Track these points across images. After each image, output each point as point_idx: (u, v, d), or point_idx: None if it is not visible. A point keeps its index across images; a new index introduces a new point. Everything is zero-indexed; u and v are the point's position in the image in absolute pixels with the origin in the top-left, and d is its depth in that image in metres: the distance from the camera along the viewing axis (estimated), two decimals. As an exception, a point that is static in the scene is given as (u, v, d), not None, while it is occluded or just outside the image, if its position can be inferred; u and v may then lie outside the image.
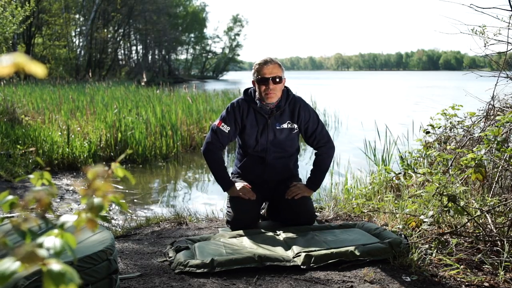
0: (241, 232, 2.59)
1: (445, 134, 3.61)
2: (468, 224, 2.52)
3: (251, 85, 2.87)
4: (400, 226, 2.58)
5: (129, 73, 34.30)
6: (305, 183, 2.89)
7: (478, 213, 2.52)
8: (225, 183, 2.80)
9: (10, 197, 0.65)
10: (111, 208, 4.14)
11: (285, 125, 2.79)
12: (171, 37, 43.07)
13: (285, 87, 2.83)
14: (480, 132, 3.14)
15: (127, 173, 0.68)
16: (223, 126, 2.76)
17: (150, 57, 43.27)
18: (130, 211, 4.17)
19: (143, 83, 14.04)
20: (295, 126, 2.81)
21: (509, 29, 2.91)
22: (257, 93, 2.77)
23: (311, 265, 2.14)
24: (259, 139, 2.79)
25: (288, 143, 2.84)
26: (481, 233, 2.39)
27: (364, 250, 2.21)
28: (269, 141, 2.79)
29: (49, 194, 0.62)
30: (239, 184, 2.81)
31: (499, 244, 2.25)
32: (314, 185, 2.84)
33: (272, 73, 2.67)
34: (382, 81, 51.17)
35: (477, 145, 2.69)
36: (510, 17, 2.88)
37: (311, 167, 2.91)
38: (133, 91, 13.02)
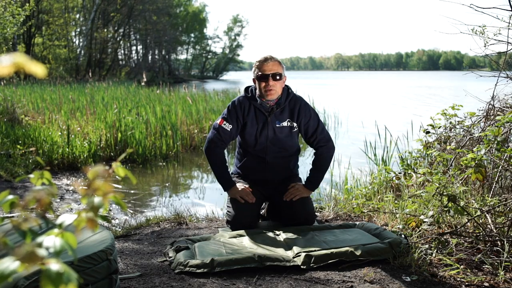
0: (241, 232, 2.59)
1: (445, 134, 3.61)
2: (468, 224, 2.52)
3: (251, 84, 2.89)
4: (400, 226, 2.58)
5: (129, 73, 34.29)
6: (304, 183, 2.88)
7: (478, 213, 2.52)
8: (226, 182, 2.79)
9: (10, 196, 0.65)
10: (111, 208, 4.14)
11: (285, 123, 2.79)
12: (171, 37, 43.06)
13: (286, 85, 2.84)
14: (480, 132, 3.14)
15: (128, 173, 0.68)
16: (225, 124, 2.77)
17: (150, 57, 43.24)
18: (130, 211, 4.17)
19: (143, 83, 14.05)
20: (295, 124, 2.82)
21: (509, 29, 2.91)
22: (257, 90, 2.78)
23: (311, 265, 2.14)
24: (258, 137, 2.79)
25: (288, 142, 2.83)
26: (481, 233, 2.39)
27: (364, 250, 2.21)
28: (269, 139, 2.79)
29: (49, 194, 0.62)
30: (240, 185, 2.80)
31: (499, 244, 2.25)
32: (313, 185, 2.83)
33: (272, 70, 2.69)
34: (382, 81, 51.17)
35: (477, 145, 2.69)
36: (510, 17, 2.88)
37: (311, 166, 2.91)
38: (133, 91, 13.02)
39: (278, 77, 2.70)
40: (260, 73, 2.71)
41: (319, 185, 2.91)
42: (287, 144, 2.84)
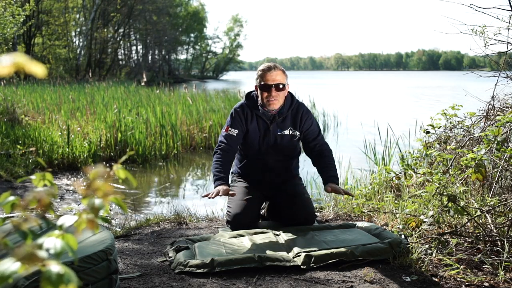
0: (241, 232, 2.59)
1: (445, 134, 3.61)
2: (468, 224, 2.52)
3: (252, 86, 2.86)
4: (400, 226, 2.58)
5: (129, 73, 34.28)
6: (324, 182, 2.74)
7: (478, 213, 2.52)
8: (215, 179, 2.65)
9: (12, 197, 0.65)
10: (111, 208, 4.14)
11: (286, 132, 2.78)
12: (171, 37, 43.04)
13: (289, 93, 2.81)
14: (480, 132, 3.14)
15: (129, 175, 0.68)
16: (230, 130, 2.75)
17: (150, 57, 43.21)
18: (130, 211, 4.17)
19: (143, 83, 14.04)
20: (297, 133, 2.80)
21: (509, 29, 2.91)
22: (259, 99, 2.75)
23: (311, 265, 2.14)
24: (261, 144, 2.78)
25: (290, 148, 2.82)
26: (481, 233, 2.39)
27: (364, 250, 2.21)
28: (270, 147, 2.78)
29: (49, 194, 0.62)
30: (223, 187, 2.59)
31: (499, 244, 2.25)
32: (337, 179, 2.72)
33: (275, 80, 2.65)
34: (382, 81, 51.17)
35: (477, 145, 2.69)
36: (510, 17, 2.88)
37: (321, 167, 2.79)
38: (133, 91, 13.02)
39: (281, 87, 2.66)
40: (263, 82, 2.66)
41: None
42: (288, 150, 2.83)
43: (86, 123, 7.52)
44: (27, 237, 0.59)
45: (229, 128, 2.76)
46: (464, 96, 3.62)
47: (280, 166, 2.84)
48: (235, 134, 2.74)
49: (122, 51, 40.26)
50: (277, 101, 2.68)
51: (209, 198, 2.47)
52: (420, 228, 2.47)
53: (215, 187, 2.60)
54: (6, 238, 0.60)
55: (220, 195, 2.53)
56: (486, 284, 1.93)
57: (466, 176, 2.82)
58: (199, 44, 55.44)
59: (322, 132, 2.89)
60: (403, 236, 2.40)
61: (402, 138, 5.46)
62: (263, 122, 2.76)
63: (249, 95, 2.83)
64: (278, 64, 2.74)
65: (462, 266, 2.07)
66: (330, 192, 2.67)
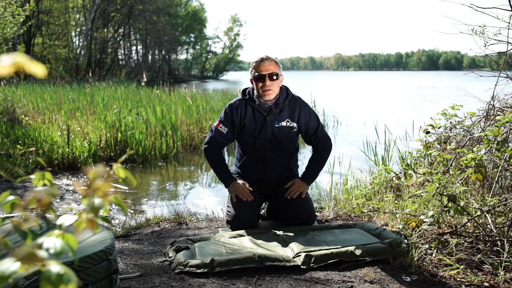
0: (241, 232, 2.59)
1: (445, 134, 3.61)
2: (468, 224, 2.52)
3: (250, 85, 2.92)
4: (400, 226, 2.58)
5: (129, 73, 34.28)
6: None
7: (478, 213, 2.52)
8: (226, 179, 2.83)
9: (11, 197, 0.65)
10: (111, 208, 4.14)
11: (284, 123, 2.81)
12: (171, 37, 43.04)
13: (284, 86, 2.86)
14: (480, 132, 3.14)
15: (129, 175, 0.68)
16: (221, 127, 2.83)
17: (150, 57, 43.20)
18: (130, 211, 4.17)
19: (143, 83, 14.03)
20: (295, 124, 2.83)
21: (509, 29, 2.91)
22: (255, 91, 2.81)
23: (311, 265, 2.14)
24: (257, 137, 2.80)
25: (288, 141, 2.85)
26: (481, 233, 2.39)
27: (364, 250, 2.21)
28: (268, 139, 2.80)
29: (49, 194, 0.62)
30: (240, 182, 2.82)
31: (499, 244, 2.25)
32: (311, 179, 2.86)
33: (268, 70, 2.72)
34: (382, 81, 51.17)
35: (477, 145, 2.69)
36: (510, 17, 2.88)
37: (308, 163, 2.93)
38: (133, 91, 13.02)
39: (275, 77, 2.73)
40: (257, 73, 2.74)
41: (315, 179, 2.95)
42: (286, 143, 2.85)
43: (86, 123, 7.51)
44: (27, 237, 0.59)
45: (220, 125, 2.84)
46: (464, 96, 3.62)
47: (279, 162, 2.86)
48: (225, 132, 2.82)
49: (122, 51, 40.24)
50: (272, 91, 2.74)
51: (246, 200, 2.73)
52: (420, 228, 2.47)
53: (230, 189, 2.81)
54: (6, 238, 0.60)
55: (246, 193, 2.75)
56: (486, 284, 1.93)
57: (466, 176, 2.82)
58: (199, 44, 55.46)
59: (322, 125, 2.95)
60: (403, 236, 2.40)
61: (402, 138, 5.46)
62: (259, 114, 2.80)
63: (244, 91, 2.90)
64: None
65: (462, 266, 2.07)
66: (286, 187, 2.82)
